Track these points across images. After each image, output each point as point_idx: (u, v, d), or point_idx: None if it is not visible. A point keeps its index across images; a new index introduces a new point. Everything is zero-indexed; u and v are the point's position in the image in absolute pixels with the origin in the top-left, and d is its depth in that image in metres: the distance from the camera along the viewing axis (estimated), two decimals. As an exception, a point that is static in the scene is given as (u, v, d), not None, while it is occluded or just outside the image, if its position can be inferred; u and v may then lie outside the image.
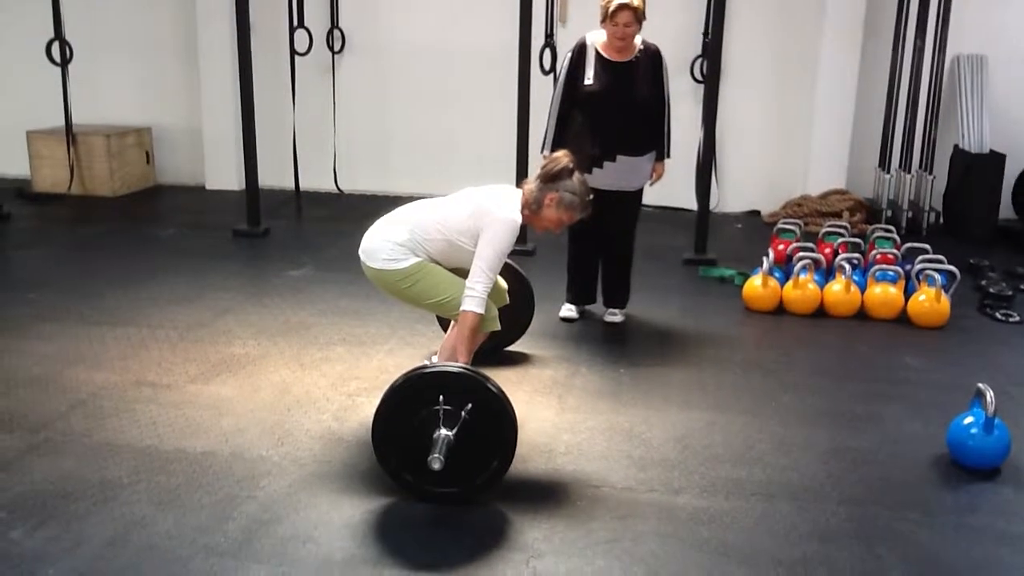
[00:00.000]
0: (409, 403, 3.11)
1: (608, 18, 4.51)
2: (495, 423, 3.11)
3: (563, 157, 3.63)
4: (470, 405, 3.07)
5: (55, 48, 7.40)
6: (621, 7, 4.45)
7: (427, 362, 3.94)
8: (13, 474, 3.30)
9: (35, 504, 3.10)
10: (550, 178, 3.59)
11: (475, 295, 3.47)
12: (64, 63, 7.48)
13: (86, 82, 8.14)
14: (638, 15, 4.51)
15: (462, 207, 3.61)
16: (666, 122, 4.79)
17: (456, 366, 3.23)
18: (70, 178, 7.93)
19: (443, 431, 3.07)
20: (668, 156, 4.86)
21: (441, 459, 3.01)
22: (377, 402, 3.15)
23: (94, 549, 2.86)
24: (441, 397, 3.07)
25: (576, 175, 3.63)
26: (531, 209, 3.62)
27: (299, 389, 4.09)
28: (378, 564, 2.83)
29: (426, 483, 3.15)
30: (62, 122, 7.76)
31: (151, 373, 4.23)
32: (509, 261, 3.88)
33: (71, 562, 2.79)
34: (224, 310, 5.11)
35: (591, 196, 3.70)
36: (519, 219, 3.55)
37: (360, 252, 3.70)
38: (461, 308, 3.48)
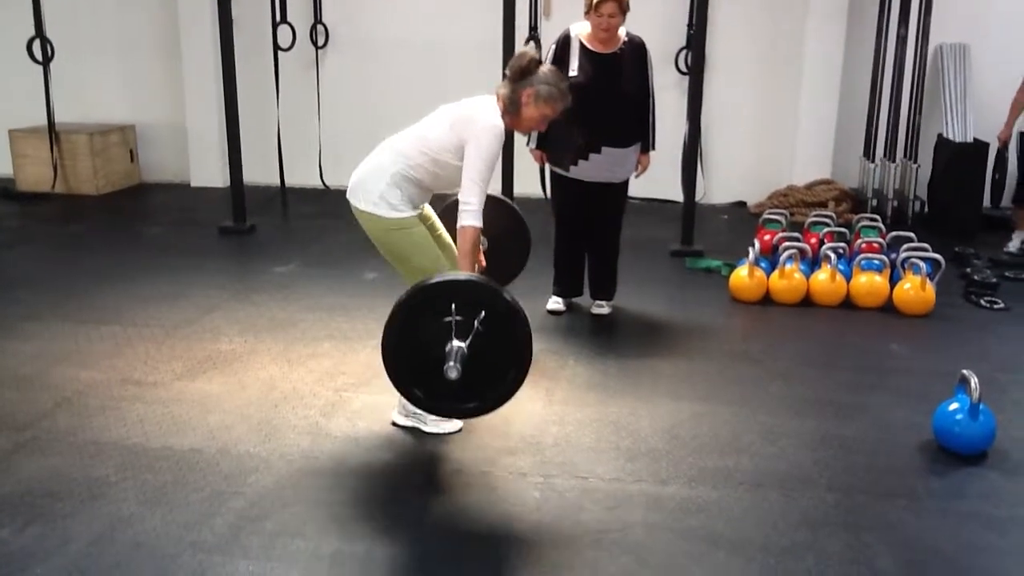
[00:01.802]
0: (420, 316, 3.02)
1: (592, 9, 4.51)
2: (509, 332, 3.02)
3: (526, 51, 3.51)
4: (483, 314, 3.00)
5: (36, 46, 7.35)
6: (605, -2, 4.45)
7: None
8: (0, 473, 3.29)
9: (22, 503, 3.08)
10: (519, 75, 3.47)
11: (470, 209, 3.37)
12: (46, 61, 7.43)
13: (69, 80, 8.09)
14: (622, 6, 4.50)
15: (441, 122, 3.50)
16: (651, 114, 4.79)
17: (466, 275, 3.16)
18: (54, 177, 7.88)
19: (456, 342, 3.01)
20: (653, 148, 4.86)
21: (458, 367, 2.94)
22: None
23: (81, 547, 2.85)
24: (453, 307, 2.99)
25: (545, 66, 3.52)
26: (510, 112, 3.50)
27: (286, 385, 4.08)
28: (366, 559, 2.83)
29: (442, 400, 3.09)
30: (45, 120, 7.71)
31: (137, 371, 4.21)
32: (502, 198, 3.78)
33: (59, 560, 2.78)
34: (210, 307, 5.09)
35: (566, 83, 3.59)
36: (501, 124, 3.44)
37: (348, 194, 3.57)
38: (459, 224, 3.38)
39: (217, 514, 3.03)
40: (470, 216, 3.37)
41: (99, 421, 3.70)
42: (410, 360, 3.08)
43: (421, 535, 2.99)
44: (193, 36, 8.05)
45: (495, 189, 4.52)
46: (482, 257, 3.83)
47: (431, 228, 3.69)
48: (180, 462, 3.38)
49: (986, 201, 7.23)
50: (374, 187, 3.49)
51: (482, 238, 3.90)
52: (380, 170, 3.51)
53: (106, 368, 4.24)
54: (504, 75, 3.54)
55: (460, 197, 3.40)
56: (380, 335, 3.07)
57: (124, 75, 8.48)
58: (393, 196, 3.48)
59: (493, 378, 3.07)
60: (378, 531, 2.99)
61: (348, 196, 3.59)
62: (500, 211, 4.19)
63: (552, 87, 3.49)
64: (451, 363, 2.95)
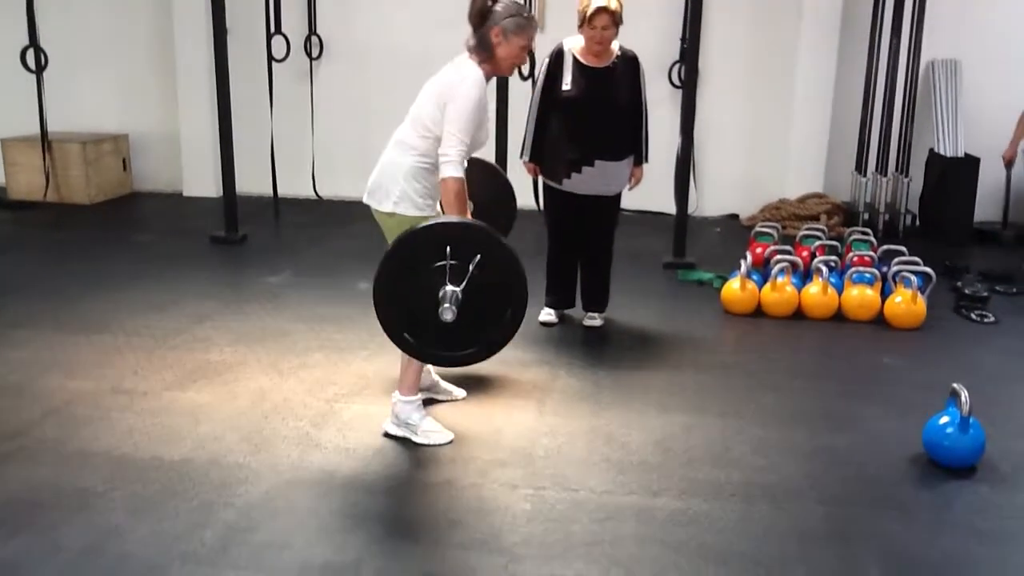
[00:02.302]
0: (413, 261, 3.02)
1: (586, 22, 4.52)
2: (503, 274, 3.02)
3: None
4: (478, 258, 2.99)
5: (30, 55, 7.34)
6: (599, 10, 4.46)
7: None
8: (-13, 483, 3.27)
9: (9, 513, 3.06)
10: (480, 17, 3.46)
11: (449, 159, 3.34)
12: (39, 70, 7.43)
13: (62, 89, 8.09)
14: (616, 18, 4.52)
15: (428, 99, 3.49)
16: (644, 127, 4.80)
17: (459, 219, 3.14)
18: (46, 185, 7.86)
19: (450, 287, 3.00)
20: (646, 160, 4.88)
21: (453, 309, 2.94)
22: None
23: (69, 557, 2.83)
24: (448, 250, 2.98)
25: (500, 2, 3.47)
26: (485, 58, 3.47)
27: (276, 396, 4.07)
28: (356, 570, 2.82)
29: (440, 347, 3.09)
30: (37, 129, 7.70)
31: (127, 380, 4.20)
32: (489, 162, 3.77)
33: (46, 571, 2.77)
34: (201, 317, 5.08)
35: (528, 11, 3.54)
36: (478, 72, 3.43)
37: (366, 198, 3.56)
38: (440, 176, 3.37)
39: (207, 525, 3.02)
40: (449, 167, 3.35)
41: (88, 431, 3.68)
42: (405, 308, 3.08)
43: (411, 546, 2.98)
44: (187, 46, 8.05)
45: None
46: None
47: None
48: (170, 472, 3.36)
49: (977, 215, 7.27)
50: (393, 186, 3.48)
51: (469, 202, 3.91)
52: (395, 167, 3.50)
53: (96, 377, 4.22)
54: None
55: (440, 149, 3.38)
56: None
57: (117, 84, 8.48)
58: (414, 191, 3.46)
59: (490, 321, 3.07)
60: (368, 542, 2.98)
61: (367, 200, 3.58)
62: (487, 175, 4.19)
63: (516, 17, 3.47)
64: (446, 305, 2.95)
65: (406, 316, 3.09)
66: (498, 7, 3.46)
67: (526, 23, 3.49)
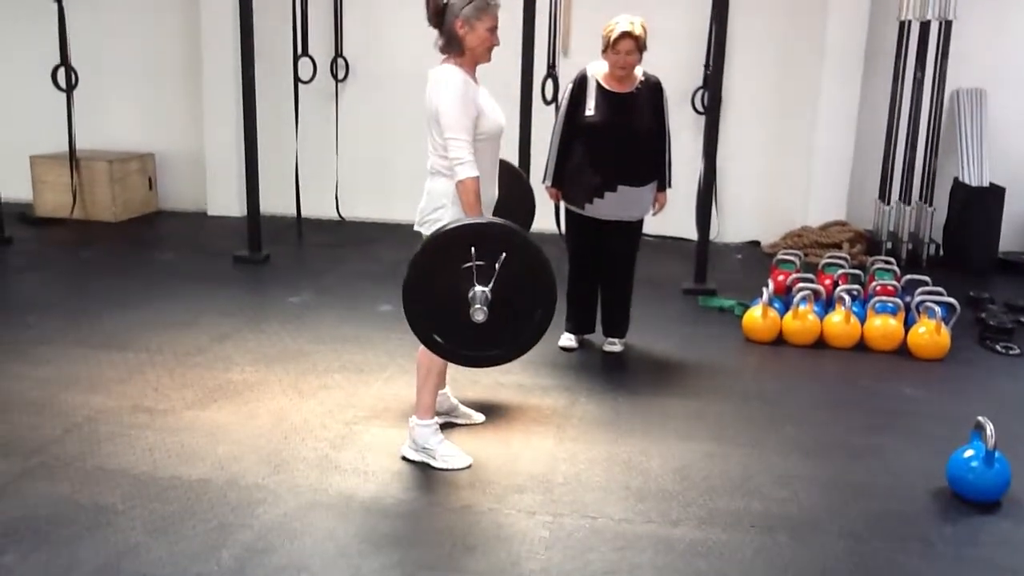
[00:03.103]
0: (440, 263, 3.03)
1: (610, 47, 4.54)
2: (531, 272, 3.02)
3: None
4: (504, 256, 2.99)
5: (61, 74, 7.44)
6: (623, 35, 4.48)
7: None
8: (7, 498, 3.28)
9: (28, 529, 3.08)
10: (438, 16, 3.46)
11: (461, 160, 3.34)
12: (70, 89, 7.52)
13: (90, 107, 8.19)
14: (639, 44, 4.53)
15: (429, 123, 3.50)
16: (667, 152, 4.81)
17: (484, 219, 3.14)
18: (72, 203, 7.94)
19: (479, 287, 3.00)
20: (669, 186, 4.87)
21: (484, 309, 2.94)
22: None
23: (86, 575, 2.83)
24: (473, 251, 2.98)
25: None
26: (456, 52, 3.47)
27: (296, 417, 4.08)
28: (372, 594, 2.81)
29: (468, 348, 3.09)
30: (65, 147, 7.79)
31: (148, 398, 4.22)
32: (504, 160, 3.77)
33: (63, 589, 2.78)
34: (223, 336, 5.10)
35: None
36: (452, 70, 3.42)
37: (416, 227, 3.57)
38: (455, 179, 3.37)
39: (224, 546, 3.02)
40: (463, 168, 3.35)
41: (108, 448, 3.70)
42: (433, 309, 3.09)
43: (428, 572, 2.96)
44: (215, 66, 8.14)
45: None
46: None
47: None
48: (188, 492, 3.37)
49: (1002, 245, 7.21)
50: (441, 211, 3.50)
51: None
52: (437, 193, 3.53)
53: (117, 395, 4.24)
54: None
55: (448, 155, 3.39)
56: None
57: (145, 103, 8.57)
58: (459, 213, 3.45)
59: (519, 321, 3.07)
60: (385, 567, 2.97)
61: (417, 228, 3.59)
62: (503, 174, 4.18)
63: (475, 1, 3.43)
64: (477, 306, 2.95)
65: (435, 317, 3.09)
66: (452, 0, 3.45)
67: (485, 4, 3.46)
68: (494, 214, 3.94)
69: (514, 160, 6.27)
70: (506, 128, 3.67)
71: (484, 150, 3.49)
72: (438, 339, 3.13)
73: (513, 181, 4.29)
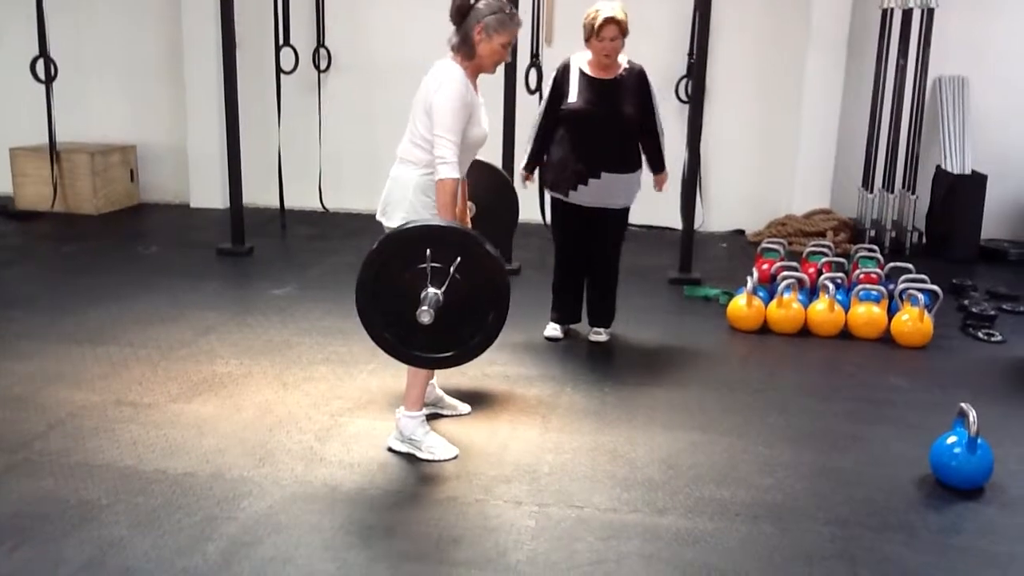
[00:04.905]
0: (395, 262, 3.04)
1: (594, 34, 4.54)
2: (486, 278, 3.03)
3: None
4: (459, 260, 3.00)
5: (40, 65, 7.37)
6: (608, 21, 4.49)
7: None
8: (-10, 495, 3.26)
9: (12, 525, 3.06)
10: (461, 14, 3.47)
11: (445, 160, 3.35)
12: (49, 80, 7.46)
13: (71, 99, 8.11)
14: (623, 29, 4.54)
15: (418, 112, 3.49)
16: (660, 136, 4.82)
17: (442, 221, 3.15)
18: (53, 196, 7.88)
19: (431, 289, 3.01)
20: (663, 169, 4.89)
21: (431, 311, 2.95)
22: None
23: (71, 571, 2.82)
24: (428, 253, 2.99)
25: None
26: (466, 55, 3.48)
27: (281, 409, 4.06)
28: (359, 586, 2.81)
29: (420, 349, 3.11)
30: (46, 139, 7.72)
31: (132, 392, 4.19)
32: (490, 163, 3.78)
33: (47, 585, 2.76)
34: (207, 329, 5.08)
35: (510, 6, 3.54)
36: (457, 71, 3.44)
37: (379, 216, 3.58)
38: (436, 177, 3.37)
39: (209, 539, 3.01)
40: (445, 168, 3.36)
41: (92, 443, 3.67)
42: (386, 309, 3.10)
43: (415, 563, 2.96)
44: (196, 57, 8.08)
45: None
46: (469, 221, 3.86)
47: None
48: (173, 485, 3.35)
49: (984, 232, 7.26)
50: (402, 201, 3.49)
51: (470, 203, 3.92)
52: (402, 183, 3.52)
53: (101, 389, 4.22)
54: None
55: (434, 152, 3.38)
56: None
57: (126, 95, 8.50)
58: (422, 204, 3.46)
59: (472, 324, 3.08)
60: (372, 558, 2.97)
61: (379, 218, 3.60)
62: (488, 177, 4.21)
63: (498, 14, 3.46)
64: (424, 307, 2.96)
65: (387, 316, 3.09)
66: (480, 4, 3.46)
67: (508, 20, 3.49)
68: (478, 215, 3.96)
69: (498, 147, 6.27)
70: (490, 117, 3.67)
71: (461, 156, 3.48)
72: (387, 337, 3.13)
73: (498, 185, 4.32)
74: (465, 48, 3.48)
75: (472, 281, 3.02)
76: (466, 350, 3.13)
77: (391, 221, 3.52)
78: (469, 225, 3.86)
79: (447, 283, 3.01)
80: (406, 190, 3.49)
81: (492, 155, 6.35)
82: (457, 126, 3.39)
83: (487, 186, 4.17)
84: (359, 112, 8.19)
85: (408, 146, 3.53)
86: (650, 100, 4.75)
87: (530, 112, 5.34)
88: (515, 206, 4.47)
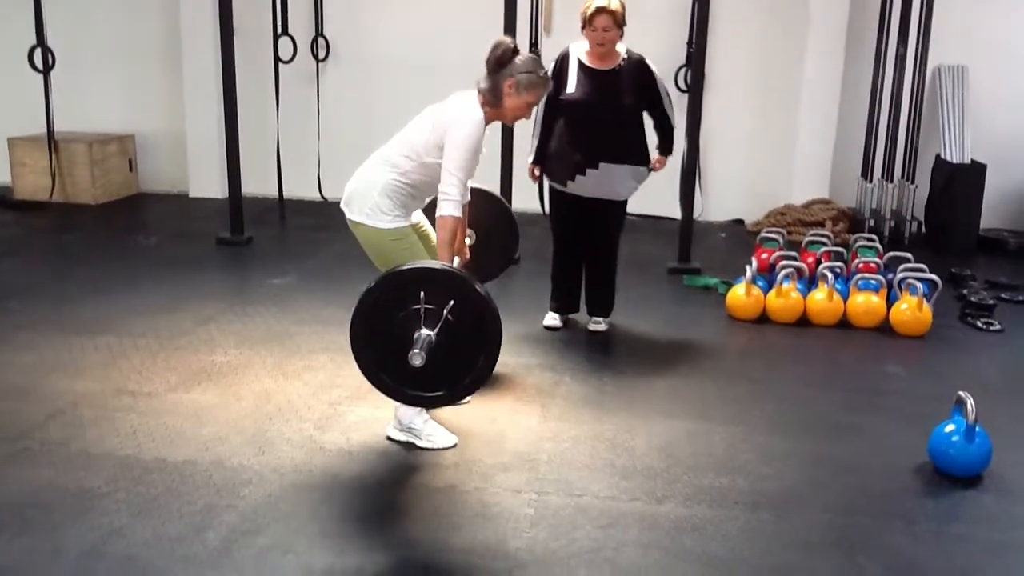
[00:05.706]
0: (389, 303, 3.07)
1: (587, 23, 4.53)
2: (478, 321, 3.05)
3: (503, 40, 3.55)
4: (452, 303, 3.02)
5: (37, 55, 7.35)
6: (599, 11, 4.47)
7: None
8: (-10, 484, 3.27)
9: (12, 514, 3.07)
10: (498, 65, 3.50)
11: (450, 198, 3.38)
12: (46, 70, 7.44)
13: (69, 89, 8.09)
14: (617, 19, 4.51)
15: (423, 125, 3.54)
16: (671, 119, 4.81)
17: (438, 264, 3.20)
18: (52, 185, 7.87)
19: (424, 331, 3.03)
20: (671, 152, 4.89)
21: (422, 355, 2.97)
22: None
23: (71, 559, 2.83)
24: (422, 295, 3.02)
25: (522, 54, 3.54)
26: (491, 103, 3.53)
27: (281, 398, 4.07)
28: (358, 575, 2.81)
29: (410, 386, 3.14)
30: (44, 129, 7.71)
31: (131, 382, 4.20)
32: (491, 192, 3.81)
33: (48, 573, 2.77)
34: (206, 319, 5.08)
35: (544, 70, 3.61)
36: (480, 115, 3.47)
37: (342, 205, 3.62)
38: (438, 213, 3.41)
39: (209, 527, 3.02)
40: (449, 206, 3.39)
41: (92, 432, 3.68)
42: (378, 347, 3.12)
43: (414, 551, 2.97)
44: (194, 47, 8.05)
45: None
46: (467, 250, 3.87)
47: (423, 237, 3.71)
48: (173, 474, 3.36)
49: (983, 222, 7.26)
50: (367, 198, 3.53)
51: (469, 231, 3.94)
52: (371, 181, 3.54)
53: (100, 379, 4.22)
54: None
55: (440, 187, 3.41)
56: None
57: (124, 85, 8.48)
58: (386, 205, 3.51)
59: (462, 366, 3.10)
60: (371, 547, 2.98)
61: (342, 207, 3.64)
62: (489, 205, 4.23)
63: (532, 74, 3.52)
64: (416, 350, 2.98)
65: (382, 354, 3.13)
66: (517, 59, 3.52)
67: (539, 82, 3.57)
68: (479, 244, 4.05)
69: (495, 139, 6.26)
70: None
71: (434, 180, 3.49)
72: (385, 378, 3.16)
73: (497, 211, 4.34)
74: (492, 98, 3.53)
75: (465, 323, 3.06)
76: (454, 391, 3.17)
77: (352, 214, 3.58)
78: (468, 255, 3.89)
79: (440, 325, 3.04)
80: (372, 189, 3.52)
81: (490, 146, 6.36)
82: (469, 167, 3.44)
83: (491, 217, 4.22)
84: (357, 102, 8.17)
85: (395, 149, 3.56)
86: (655, 88, 4.73)
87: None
88: (515, 236, 4.49)
